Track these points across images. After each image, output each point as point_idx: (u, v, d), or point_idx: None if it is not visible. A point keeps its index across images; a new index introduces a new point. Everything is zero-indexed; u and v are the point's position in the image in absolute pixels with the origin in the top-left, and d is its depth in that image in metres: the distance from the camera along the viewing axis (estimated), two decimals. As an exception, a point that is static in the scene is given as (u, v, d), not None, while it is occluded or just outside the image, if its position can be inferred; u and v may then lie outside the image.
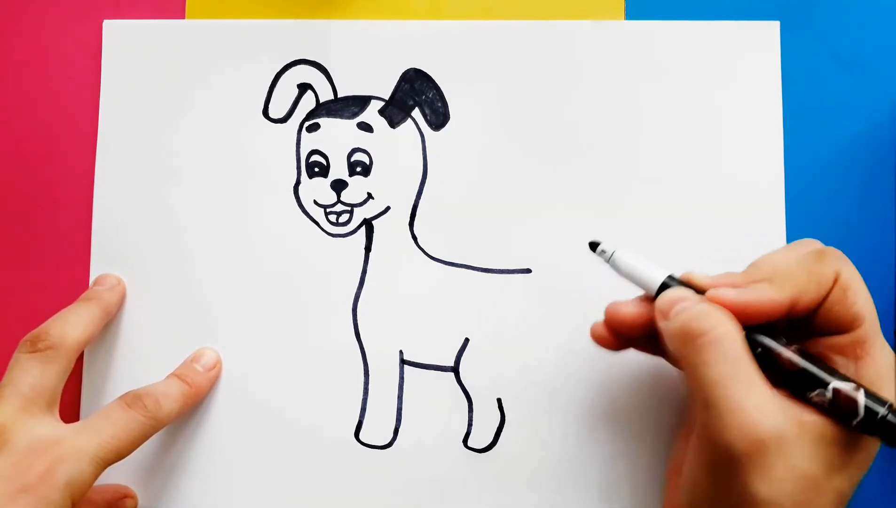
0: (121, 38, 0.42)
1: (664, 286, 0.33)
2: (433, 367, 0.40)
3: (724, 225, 0.40)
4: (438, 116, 0.42)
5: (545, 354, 0.40)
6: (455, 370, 0.40)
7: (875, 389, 0.30)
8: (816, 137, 0.41)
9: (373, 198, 0.41)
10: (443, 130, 0.41)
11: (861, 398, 0.29)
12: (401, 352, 0.41)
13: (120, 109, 0.42)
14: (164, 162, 0.42)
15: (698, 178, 0.41)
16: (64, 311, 0.38)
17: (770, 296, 0.31)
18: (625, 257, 0.35)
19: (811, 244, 0.34)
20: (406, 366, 0.40)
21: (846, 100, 0.41)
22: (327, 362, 0.41)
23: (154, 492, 0.40)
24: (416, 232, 0.41)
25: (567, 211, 0.41)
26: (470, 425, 0.40)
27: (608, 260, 0.35)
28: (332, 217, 0.41)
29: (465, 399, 0.40)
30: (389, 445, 0.40)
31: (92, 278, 0.41)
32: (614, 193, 0.41)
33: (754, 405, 0.29)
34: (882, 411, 0.29)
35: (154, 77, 0.42)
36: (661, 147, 0.41)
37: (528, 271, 0.41)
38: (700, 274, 0.34)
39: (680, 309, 0.32)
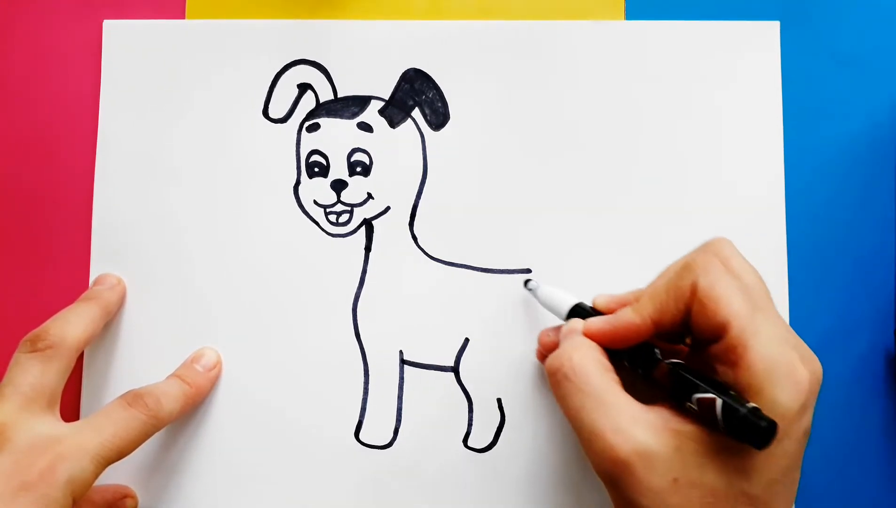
0: (121, 38, 0.42)
1: (571, 315, 0.36)
2: (433, 367, 0.40)
3: (724, 225, 0.40)
4: (438, 116, 0.42)
5: (545, 354, 0.40)
6: (455, 370, 0.40)
7: (752, 392, 0.30)
8: (816, 137, 0.41)
9: (373, 198, 0.41)
10: (443, 130, 0.41)
11: (718, 405, 0.29)
12: (401, 352, 0.41)
13: (120, 109, 0.42)
14: (164, 162, 0.42)
15: (698, 178, 0.41)
16: (64, 311, 0.38)
17: (630, 320, 0.33)
18: (542, 291, 0.38)
19: (696, 254, 0.33)
20: (406, 366, 0.40)
21: (846, 100, 0.41)
22: (327, 362, 0.41)
23: (154, 492, 0.40)
24: (416, 232, 0.41)
25: (567, 211, 0.41)
26: (470, 425, 0.40)
27: (535, 294, 0.39)
28: (332, 217, 0.41)
29: (465, 399, 0.40)
30: (389, 445, 0.40)
31: (92, 278, 0.41)
32: (614, 192, 0.41)
33: (611, 427, 0.30)
34: (741, 412, 0.29)
35: (154, 77, 0.42)
36: (660, 147, 0.41)
37: (528, 271, 0.41)
38: (603, 297, 0.36)
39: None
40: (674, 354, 0.33)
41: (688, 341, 0.35)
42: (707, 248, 0.33)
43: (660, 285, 0.33)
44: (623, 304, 0.35)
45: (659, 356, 0.33)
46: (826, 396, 0.40)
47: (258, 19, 0.42)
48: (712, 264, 0.32)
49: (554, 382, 0.33)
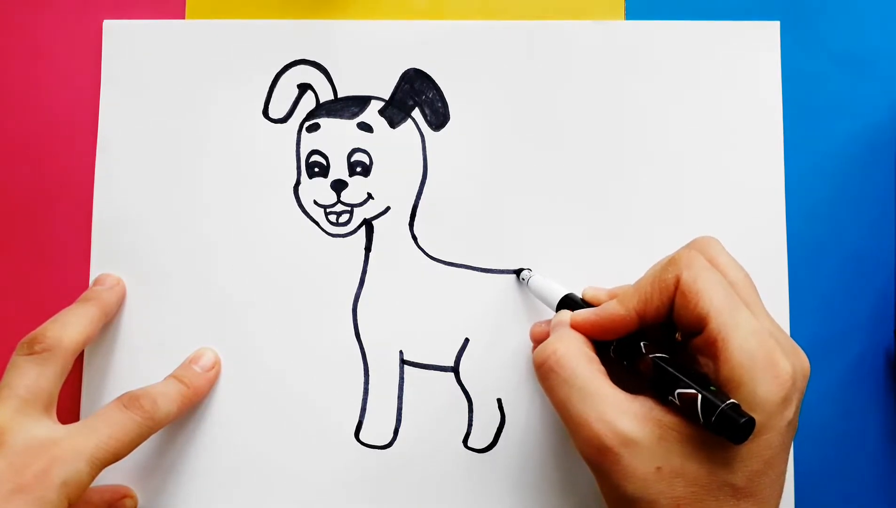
0: (121, 38, 0.42)
1: (561, 306, 0.37)
2: (433, 367, 0.40)
3: (724, 225, 0.40)
4: (438, 116, 0.42)
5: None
6: (455, 370, 0.40)
7: (732, 385, 0.30)
8: (816, 137, 0.41)
9: (373, 198, 0.41)
10: (443, 130, 0.41)
11: (698, 400, 0.30)
12: (401, 352, 0.40)
13: (120, 109, 0.42)
14: (164, 162, 0.42)
15: (698, 178, 0.41)
16: (62, 312, 0.38)
17: (615, 312, 0.34)
18: (534, 281, 0.39)
19: (681, 250, 0.34)
20: (406, 366, 0.40)
21: (846, 100, 0.41)
22: (327, 362, 0.40)
23: (153, 492, 0.40)
24: (416, 232, 0.41)
25: (567, 211, 0.41)
26: (470, 425, 0.40)
27: (527, 285, 0.39)
28: (332, 217, 0.41)
29: (465, 399, 0.40)
30: (389, 445, 0.40)
31: (92, 278, 0.41)
32: (614, 192, 0.41)
33: (596, 417, 0.31)
34: (720, 408, 0.29)
35: (154, 77, 0.42)
36: (661, 147, 0.41)
37: (529, 271, 0.41)
38: (592, 289, 0.37)
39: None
40: (660, 348, 0.33)
41: (678, 336, 0.35)
42: (693, 245, 0.34)
43: (646, 278, 0.34)
44: (612, 297, 0.35)
45: (644, 350, 0.33)
46: (826, 396, 0.40)
47: (258, 19, 0.42)
48: (696, 260, 0.32)
49: (541, 374, 0.34)
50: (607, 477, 0.31)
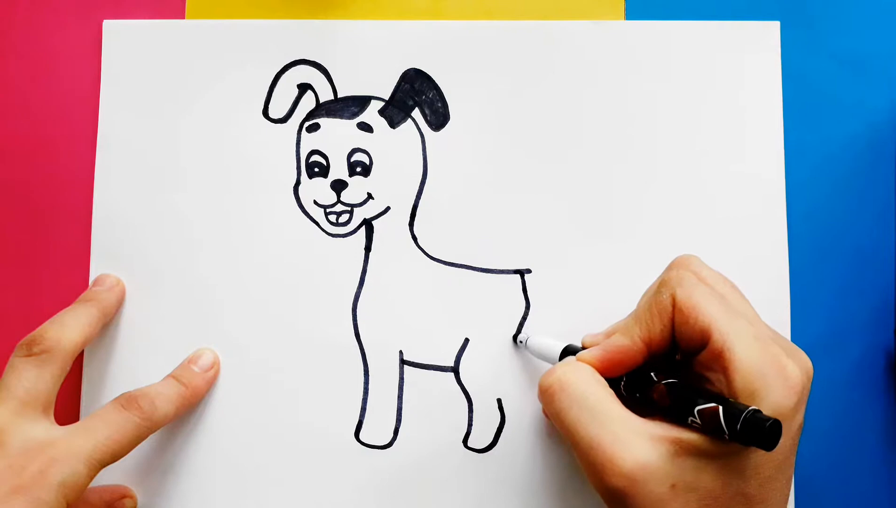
0: (121, 38, 0.42)
1: (563, 356, 0.36)
2: (433, 367, 0.40)
3: (725, 225, 0.40)
4: (438, 116, 0.42)
5: (545, 354, 0.40)
6: (455, 370, 0.40)
7: (745, 395, 0.30)
8: (816, 137, 0.41)
9: (373, 198, 0.41)
10: (443, 130, 0.41)
11: (720, 413, 0.29)
12: (401, 352, 0.40)
13: (120, 109, 0.42)
14: (164, 162, 0.42)
15: (698, 178, 0.41)
16: (61, 313, 0.38)
17: (621, 344, 0.33)
18: (532, 342, 0.39)
19: (668, 271, 0.34)
20: (406, 366, 0.40)
21: (846, 100, 0.41)
22: (327, 362, 0.40)
23: (152, 492, 0.40)
24: (416, 232, 0.41)
25: (566, 211, 0.41)
26: (470, 425, 0.40)
27: (526, 347, 0.39)
28: (332, 217, 0.41)
29: (465, 399, 0.40)
30: (389, 445, 0.40)
31: (91, 279, 0.41)
32: (614, 193, 0.41)
33: (611, 440, 0.30)
34: (744, 416, 0.29)
35: (154, 77, 0.42)
36: (660, 147, 0.41)
37: (528, 271, 0.41)
38: (591, 336, 0.36)
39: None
40: (669, 376, 0.33)
41: (678, 357, 0.35)
42: (677, 264, 0.34)
43: (641, 307, 0.34)
44: (610, 334, 0.35)
45: (655, 378, 0.33)
46: (826, 396, 0.40)
47: (258, 19, 0.42)
48: (686, 277, 0.33)
49: (548, 397, 0.33)
50: (621, 502, 0.30)
